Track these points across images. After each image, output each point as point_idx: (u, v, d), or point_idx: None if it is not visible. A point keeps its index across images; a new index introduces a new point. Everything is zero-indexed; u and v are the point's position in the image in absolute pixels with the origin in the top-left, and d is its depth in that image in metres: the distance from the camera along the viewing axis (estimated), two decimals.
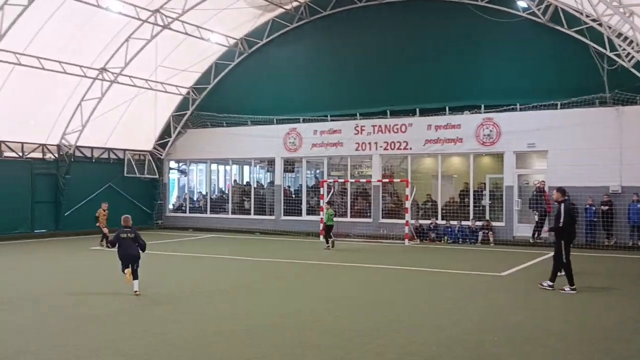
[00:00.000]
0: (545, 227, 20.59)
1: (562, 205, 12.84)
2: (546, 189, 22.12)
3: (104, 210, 21.25)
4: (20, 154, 24.87)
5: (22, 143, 24.83)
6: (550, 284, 12.87)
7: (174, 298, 12.07)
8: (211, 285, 13.72)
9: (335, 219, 22.44)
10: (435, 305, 11.50)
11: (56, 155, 26.16)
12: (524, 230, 22.71)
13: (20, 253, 19.87)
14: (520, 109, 22.80)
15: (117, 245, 12.13)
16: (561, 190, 13.11)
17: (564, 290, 12.57)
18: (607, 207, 20.95)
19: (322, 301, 11.92)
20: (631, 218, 20.65)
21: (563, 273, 12.97)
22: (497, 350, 8.30)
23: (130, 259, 12.00)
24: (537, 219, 22.03)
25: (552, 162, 22.17)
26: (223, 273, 15.91)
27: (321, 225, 23.57)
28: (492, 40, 23.61)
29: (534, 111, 22.45)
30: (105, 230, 20.71)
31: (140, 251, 12.14)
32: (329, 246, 21.39)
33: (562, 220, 12.70)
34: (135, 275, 11.95)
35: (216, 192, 31.68)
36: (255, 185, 30.22)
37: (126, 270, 11.98)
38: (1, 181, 23.77)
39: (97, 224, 21.11)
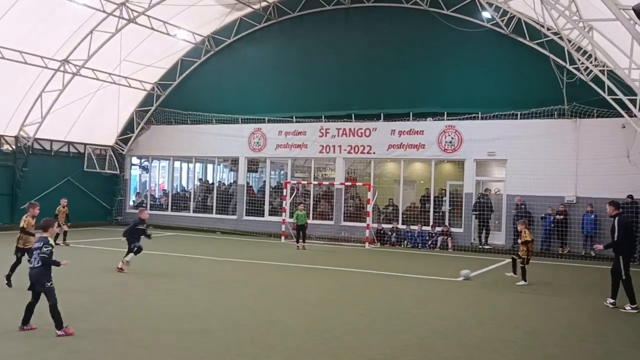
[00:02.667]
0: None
1: (617, 219, 12.14)
2: (504, 197, 22.71)
3: (63, 207, 20.71)
4: None
5: None
6: (612, 301, 12.13)
7: (129, 295, 12.00)
8: (169, 285, 13.59)
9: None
10: (392, 308, 11.63)
11: (14, 147, 25.60)
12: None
13: None
14: (482, 118, 23.21)
15: (130, 231, 15.45)
16: (614, 203, 12.39)
17: (625, 309, 11.85)
18: (562, 217, 21.43)
19: (279, 302, 11.96)
20: (584, 228, 21.17)
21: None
22: (448, 354, 8.46)
23: (133, 242, 15.34)
24: (487, 225, 22.84)
25: (511, 171, 22.61)
26: (182, 271, 15.73)
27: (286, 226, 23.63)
28: (456, 49, 23.92)
29: (495, 120, 22.88)
30: (66, 227, 20.34)
31: (146, 237, 15.68)
32: (298, 246, 21.75)
33: (616, 234, 12.00)
34: (134, 252, 15.18)
35: (178, 190, 31.40)
36: (217, 184, 30.01)
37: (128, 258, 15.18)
38: None
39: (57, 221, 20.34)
